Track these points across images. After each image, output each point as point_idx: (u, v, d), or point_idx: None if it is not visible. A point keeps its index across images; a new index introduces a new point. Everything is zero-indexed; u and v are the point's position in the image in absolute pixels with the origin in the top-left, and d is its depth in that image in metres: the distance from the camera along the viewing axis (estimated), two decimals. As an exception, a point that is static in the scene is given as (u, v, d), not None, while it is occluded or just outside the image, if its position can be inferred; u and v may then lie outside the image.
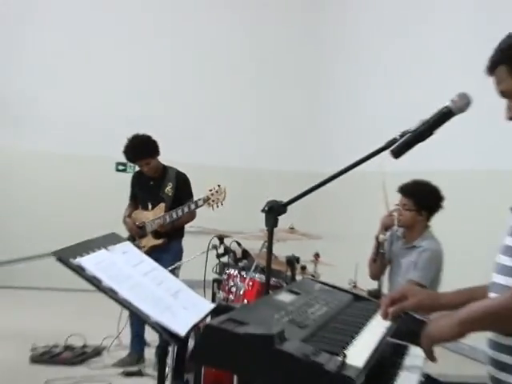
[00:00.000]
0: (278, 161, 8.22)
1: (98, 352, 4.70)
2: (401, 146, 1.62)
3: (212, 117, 8.21)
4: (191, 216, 4.51)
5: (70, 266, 1.42)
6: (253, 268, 3.57)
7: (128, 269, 1.61)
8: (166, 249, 4.45)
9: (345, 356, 1.22)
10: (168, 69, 8.08)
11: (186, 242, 4.66)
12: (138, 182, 4.74)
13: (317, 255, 4.18)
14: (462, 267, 4.25)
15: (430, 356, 1.49)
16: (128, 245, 1.77)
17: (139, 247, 4.13)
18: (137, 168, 4.83)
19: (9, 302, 6.27)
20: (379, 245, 3.57)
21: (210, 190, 4.16)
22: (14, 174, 7.55)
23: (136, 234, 4.51)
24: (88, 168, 7.54)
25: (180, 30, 8.10)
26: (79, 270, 1.42)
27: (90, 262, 1.46)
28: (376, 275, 3.72)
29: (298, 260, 3.82)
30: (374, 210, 3.92)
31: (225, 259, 4.02)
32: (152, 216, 4.47)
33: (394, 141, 1.62)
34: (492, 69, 1.48)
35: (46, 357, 4.49)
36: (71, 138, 7.55)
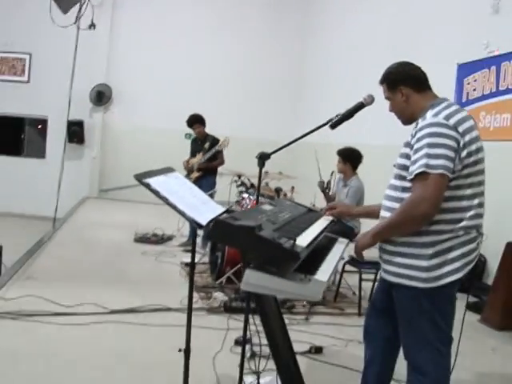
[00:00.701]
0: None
1: (170, 238, 8.02)
2: (335, 123, 2.68)
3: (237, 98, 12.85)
4: (222, 161, 7.53)
5: (143, 183, 2.43)
6: (255, 193, 5.60)
7: (176, 186, 2.63)
8: (204, 180, 7.38)
9: (295, 240, 2.23)
10: (218, 65, 12.77)
11: (221, 178, 7.63)
12: (193, 142, 7.91)
13: (292, 188, 6.52)
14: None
15: (361, 258, 2.63)
16: (178, 174, 2.79)
17: (190, 178, 7.17)
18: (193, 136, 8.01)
19: (124, 208, 11.46)
20: (323, 190, 5.83)
21: (221, 141, 7.25)
22: (120, 141, 12.76)
23: (188, 171, 7.59)
24: (168, 136, 12.08)
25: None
26: (147, 186, 2.44)
27: (153, 181, 2.47)
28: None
29: (281, 189, 6.28)
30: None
31: (241, 188, 6.49)
32: (196, 160, 7.57)
33: (331, 119, 2.63)
34: (380, 83, 2.51)
35: (142, 238, 7.82)
36: (158, 115, 12.47)
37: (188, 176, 7.58)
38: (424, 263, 2.35)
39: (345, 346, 4.19)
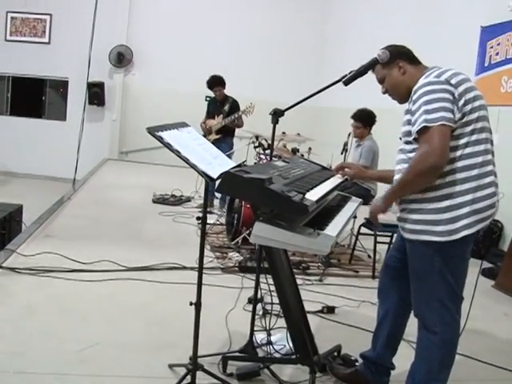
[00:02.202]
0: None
1: (188, 199, 8.06)
2: (349, 79, 2.66)
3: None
4: (241, 123, 7.44)
5: (155, 136, 2.42)
6: (272, 153, 5.35)
7: (189, 141, 2.62)
8: (222, 141, 7.41)
9: (304, 194, 2.23)
10: (239, 29, 12.74)
11: (240, 141, 7.96)
12: (211, 103, 7.84)
13: (309, 148, 6.59)
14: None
15: (376, 222, 2.68)
16: (191, 129, 2.78)
17: (208, 140, 6.51)
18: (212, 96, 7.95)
19: (143, 169, 11.66)
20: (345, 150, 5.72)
21: (246, 107, 7.09)
22: (140, 103, 12.78)
23: (206, 133, 7.56)
24: (188, 98, 11.94)
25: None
26: (160, 139, 2.44)
27: (166, 134, 2.46)
28: None
29: (298, 150, 6.32)
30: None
31: (258, 149, 6.54)
32: (215, 122, 7.52)
33: (344, 76, 2.61)
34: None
35: (160, 200, 7.92)
36: (178, 78, 12.44)
37: (205, 138, 7.55)
38: (439, 216, 2.35)
39: (357, 306, 4.21)
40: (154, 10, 12.55)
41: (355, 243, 5.48)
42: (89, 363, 2.95)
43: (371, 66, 2.64)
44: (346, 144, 5.48)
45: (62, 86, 12.94)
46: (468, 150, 2.36)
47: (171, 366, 2.94)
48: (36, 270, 4.32)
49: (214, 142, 7.14)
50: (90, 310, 3.71)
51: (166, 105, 12.31)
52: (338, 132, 5.94)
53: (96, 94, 12.45)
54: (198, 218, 6.05)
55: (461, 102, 2.33)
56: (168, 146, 2.40)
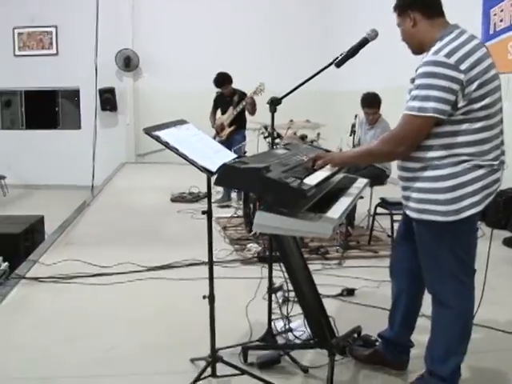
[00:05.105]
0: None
1: (205, 196, 7.06)
2: (340, 61, 2.66)
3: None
4: (251, 110, 7.22)
5: (152, 135, 2.45)
6: (282, 142, 5.68)
7: (188, 137, 2.64)
8: (236, 135, 7.44)
9: (302, 179, 2.23)
10: (245, 25, 12.60)
11: (254, 132, 7.61)
12: (219, 99, 7.75)
13: (318, 134, 6.43)
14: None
15: (312, 163, 2.52)
16: (191, 125, 2.80)
17: (220, 137, 7.45)
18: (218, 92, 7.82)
19: (161, 170, 11.33)
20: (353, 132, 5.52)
21: (256, 87, 6.91)
22: (152, 105, 12.72)
23: (219, 129, 7.59)
24: (199, 97, 10.51)
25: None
26: (157, 138, 2.46)
27: (163, 133, 2.49)
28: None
29: (306, 136, 6.20)
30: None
31: (268, 139, 6.19)
32: (227, 116, 7.53)
33: (336, 58, 2.60)
34: (394, 10, 2.45)
35: (178, 198, 8.05)
36: (187, 78, 12.36)
37: (218, 135, 7.60)
38: (442, 196, 2.30)
39: (377, 287, 4.20)
40: (158, 13, 12.59)
41: (373, 223, 5.47)
42: (113, 364, 3.01)
43: (361, 46, 2.63)
44: (353, 125, 5.46)
45: (74, 95, 13.08)
46: (480, 136, 2.29)
47: (193, 361, 2.98)
48: (58, 277, 4.40)
49: (229, 136, 7.50)
50: (112, 313, 3.77)
51: (177, 105, 12.31)
52: (345, 115, 5.89)
53: (108, 99, 12.58)
54: (203, 213, 6.10)
55: (472, 87, 2.22)
56: (166, 144, 2.42)
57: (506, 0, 6.21)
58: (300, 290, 2.77)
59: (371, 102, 5.60)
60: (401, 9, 2.48)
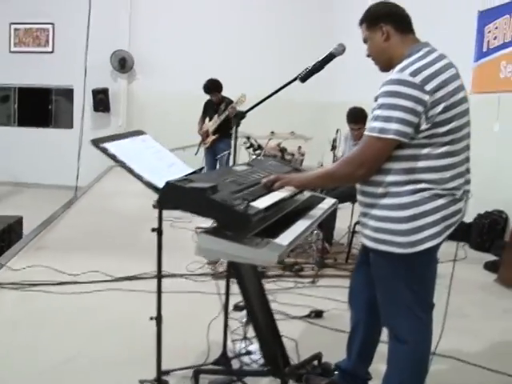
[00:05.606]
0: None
1: None
2: (305, 76, 2.57)
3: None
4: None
5: (99, 147, 2.32)
6: (262, 153, 5.72)
7: (141, 150, 2.52)
8: (221, 143, 7.37)
9: (249, 202, 2.09)
10: (234, 36, 12.36)
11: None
12: (208, 105, 7.71)
13: (299, 147, 6.17)
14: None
15: (269, 185, 2.38)
16: (147, 136, 2.67)
17: (204, 144, 7.60)
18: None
19: None
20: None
21: (238, 98, 6.94)
22: (145, 108, 12.67)
23: (204, 136, 7.58)
24: (193, 102, 9.86)
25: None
26: (104, 151, 2.33)
27: (112, 145, 2.37)
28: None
29: (285, 149, 5.89)
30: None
31: (250, 150, 6.10)
32: (211, 124, 7.50)
33: (301, 73, 2.51)
34: (360, 24, 2.30)
35: None
36: (182, 82, 11.91)
37: (202, 142, 7.64)
38: (400, 226, 2.17)
39: (347, 309, 4.03)
40: (155, 16, 12.45)
41: (351, 241, 5.34)
42: (61, 379, 2.89)
43: (327, 61, 2.51)
44: (334, 140, 5.34)
45: (68, 94, 12.97)
46: (441, 163, 2.16)
47: (142, 382, 2.85)
48: (20, 284, 4.27)
49: (213, 144, 7.49)
50: (71, 324, 3.65)
51: (170, 108, 12.27)
52: (329, 129, 5.78)
53: (101, 100, 12.47)
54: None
55: (437, 109, 2.09)
56: (113, 157, 2.30)
57: (501, 18, 6.09)
58: (254, 315, 2.64)
59: (357, 117, 5.43)
60: (371, 21, 2.33)
